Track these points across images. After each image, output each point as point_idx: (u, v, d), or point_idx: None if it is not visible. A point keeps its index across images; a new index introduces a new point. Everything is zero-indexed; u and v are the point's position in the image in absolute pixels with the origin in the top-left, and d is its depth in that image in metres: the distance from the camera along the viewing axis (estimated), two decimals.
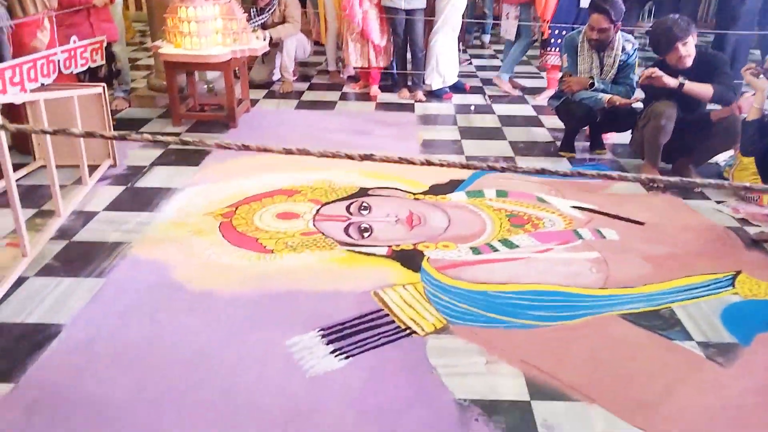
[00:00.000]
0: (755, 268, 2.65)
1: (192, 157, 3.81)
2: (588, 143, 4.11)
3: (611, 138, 4.24)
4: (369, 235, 2.87)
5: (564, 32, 4.71)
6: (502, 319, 2.28)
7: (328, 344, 2.12)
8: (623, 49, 3.79)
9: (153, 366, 2.01)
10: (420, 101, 5.16)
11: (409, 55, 5.38)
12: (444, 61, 5.20)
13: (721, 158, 3.87)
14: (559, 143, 4.12)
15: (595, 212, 3.17)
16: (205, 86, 4.93)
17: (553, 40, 5.02)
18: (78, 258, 2.64)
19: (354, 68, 5.51)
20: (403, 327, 2.22)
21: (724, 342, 2.17)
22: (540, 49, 5.33)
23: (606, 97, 3.70)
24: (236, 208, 3.12)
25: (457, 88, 5.42)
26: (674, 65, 3.42)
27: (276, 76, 5.54)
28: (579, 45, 3.82)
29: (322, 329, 2.19)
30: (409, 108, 5.01)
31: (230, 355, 2.06)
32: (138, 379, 1.95)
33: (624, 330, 2.24)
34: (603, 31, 3.70)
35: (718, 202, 3.31)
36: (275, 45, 5.09)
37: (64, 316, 2.24)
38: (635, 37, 4.48)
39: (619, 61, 3.79)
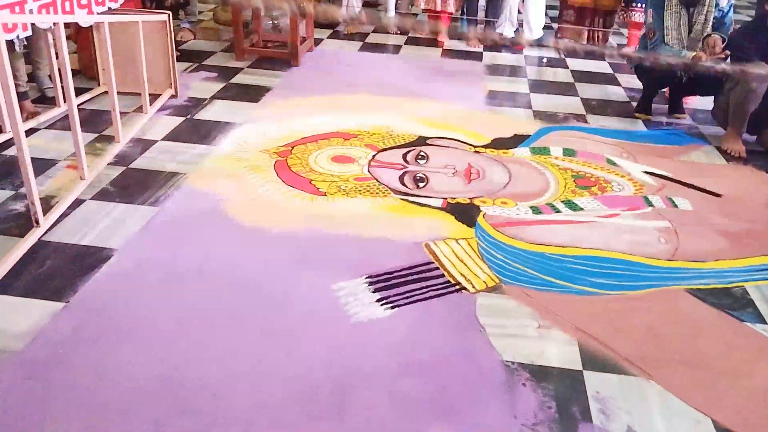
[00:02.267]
0: None
1: (252, 92, 3.76)
2: (667, 106, 3.83)
3: (692, 102, 3.95)
4: (424, 186, 2.76)
5: None
6: (558, 283, 2.16)
7: (374, 292, 2.06)
8: (717, 4, 3.45)
9: (199, 297, 2.00)
10: (489, 45, 4.93)
11: (483, 2, 5.12)
12: (525, 9, 4.95)
13: None
14: (635, 104, 3.87)
15: (669, 179, 2.96)
16: (270, 22, 4.84)
17: None
18: (134, 185, 2.66)
19: (423, 10, 5.29)
20: (453, 282, 2.13)
21: None
22: (622, 3, 4.97)
23: (690, 54, 3.39)
24: (292, 148, 3.06)
25: (542, 43, 5.14)
26: None
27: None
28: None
29: (370, 276, 2.13)
30: (477, 57, 4.80)
31: (276, 293, 2.03)
32: (184, 309, 1.94)
33: (690, 306, 2.08)
34: None
35: None
36: None
37: (116, 241, 2.25)
38: None
39: (713, 18, 3.45)
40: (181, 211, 2.49)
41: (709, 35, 3.39)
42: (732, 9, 3.49)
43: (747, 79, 3.13)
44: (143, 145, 3.02)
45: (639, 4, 4.69)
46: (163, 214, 2.45)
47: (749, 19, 5.52)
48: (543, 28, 5.18)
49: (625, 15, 4.92)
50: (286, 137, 3.18)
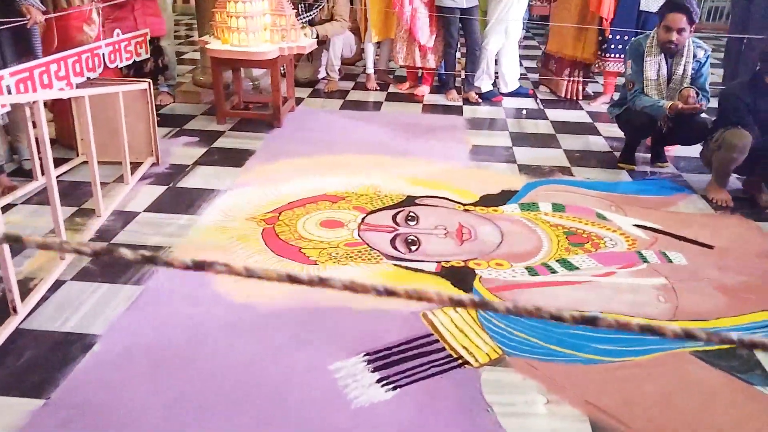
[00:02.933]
0: None
1: (236, 156, 3.71)
2: (649, 155, 3.87)
3: (673, 150, 3.99)
4: (417, 249, 2.71)
5: (626, 37, 4.47)
6: (562, 351, 2.10)
7: (374, 371, 1.98)
8: (695, 56, 3.52)
9: (190, 383, 1.90)
10: (474, 102, 4.98)
11: (459, 55, 5.19)
12: (499, 64, 5.04)
13: None
14: (617, 153, 3.90)
15: (660, 232, 2.95)
16: (251, 84, 4.84)
17: (613, 46, 4.76)
18: (117, 262, 2.56)
19: (401, 66, 5.35)
20: (456, 356, 2.06)
21: None
22: (599, 52, 5.07)
23: (668, 103, 3.44)
24: (279, 214, 3.00)
25: (519, 94, 5.21)
26: None
27: (321, 74, 5.41)
28: (646, 50, 3.57)
29: (368, 354, 2.05)
30: (457, 111, 4.83)
31: (272, 377, 1.94)
32: (175, 397, 1.84)
33: (699, 371, 2.03)
34: (681, 32, 3.41)
35: None
36: (322, 42, 4.96)
37: (99, 326, 2.15)
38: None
39: (691, 69, 3.52)
40: (167, 289, 2.39)
41: (683, 88, 3.45)
42: (708, 61, 3.55)
43: (730, 145, 3.18)
44: (125, 217, 2.93)
45: (615, 54, 4.79)
46: (148, 294, 2.35)
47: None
48: (518, 80, 5.26)
49: (600, 64, 5.02)
50: (272, 203, 3.12)
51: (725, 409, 1.87)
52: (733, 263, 2.69)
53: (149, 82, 3.37)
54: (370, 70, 5.42)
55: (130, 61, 3.55)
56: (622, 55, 4.72)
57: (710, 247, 2.83)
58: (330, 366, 1.99)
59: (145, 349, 2.05)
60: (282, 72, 4.52)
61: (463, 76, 5.14)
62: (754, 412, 1.87)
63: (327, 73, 5.31)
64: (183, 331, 2.14)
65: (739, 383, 1.98)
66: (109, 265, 2.53)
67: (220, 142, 3.94)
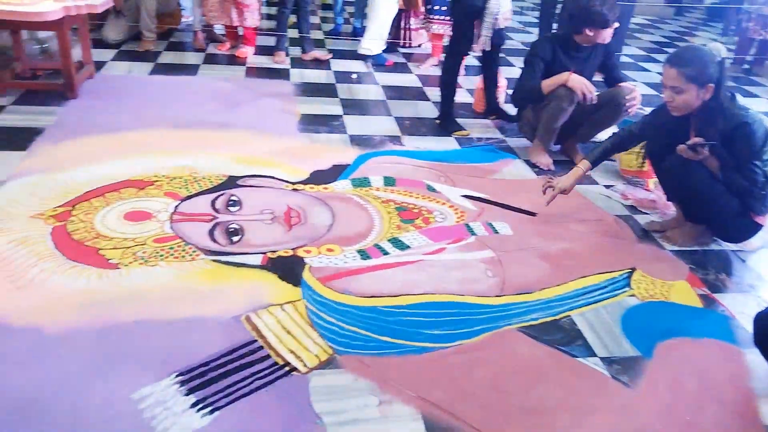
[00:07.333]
0: (648, 262, 2.57)
1: (18, 137, 3.13)
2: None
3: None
4: (239, 239, 2.46)
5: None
6: (395, 342, 2.00)
7: (188, 394, 1.73)
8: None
9: None
10: (323, 61, 4.76)
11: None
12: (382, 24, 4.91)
13: (606, 136, 3.82)
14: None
15: (486, 201, 2.97)
16: (38, 47, 4.13)
17: (437, 7, 4.72)
18: None
19: (221, 26, 4.92)
20: (282, 362, 1.87)
21: (628, 356, 2.04)
22: (425, 14, 5.02)
23: None
24: (73, 207, 2.56)
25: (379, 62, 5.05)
26: None
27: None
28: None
29: (181, 373, 1.79)
30: (284, 74, 4.54)
31: (61, 417, 1.61)
32: None
33: (526, 348, 2.04)
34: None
35: (607, 187, 3.25)
36: None
37: None
38: None
39: None
40: None
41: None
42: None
43: (558, 95, 3.24)
44: None
45: (439, 16, 4.76)
46: None
47: None
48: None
49: (427, 25, 4.98)
50: (64, 194, 2.66)
51: (552, 386, 1.89)
52: (554, 230, 2.78)
53: None
54: (198, 26, 4.91)
55: None
56: (447, 17, 4.71)
57: (533, 214, 2.89)
58: (133, 394, 1.71)
59: None
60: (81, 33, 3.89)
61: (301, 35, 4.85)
62: (579, 385, 1.91)
63: (142, 31, 4.71)
64: None
65: (564, 357, 2.01)
66: None
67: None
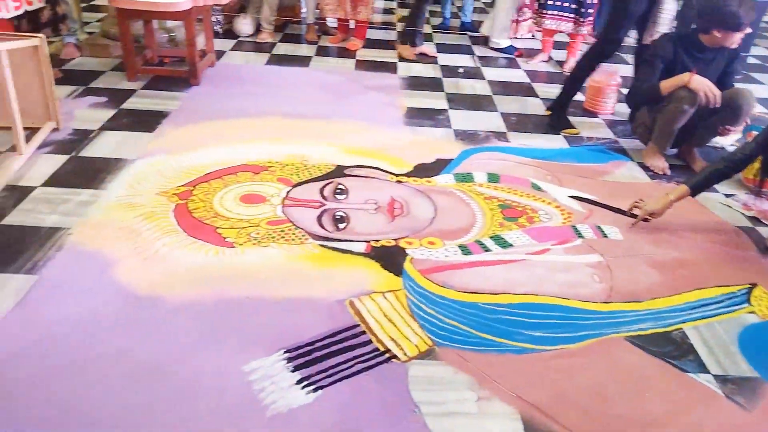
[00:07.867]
0: None
1: (147, 120, 3.38)
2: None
3: (605, 110, 3.93)
4: (345, 227, 2.53)
5: None
6: (494, 340, 1.99)
7: (294, 371, 1.81)
8: None
9: (85, 393, 1.68)
10: (431, 57, 4.84)
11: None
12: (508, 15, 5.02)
13: (728, 142, 3.59)
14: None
15: (596, 204, 2.88)
16: (166, 36, 4.42)
17: (551, 2, 4.60)
18: (6, 247, 2.26)
19: (334, 19, 5.05)
20: (383, 349, 1.91)
21: (745, 376, 1.92)
22: (535, 9, 4.90)
23: None
24: (194, 187, 2.74)
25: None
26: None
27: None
28: None
29: (288, 350, 1.88)
30: (392, 68, 4.59)
31: (177, 383, 1.74)
32: (66, 409, 1.62)
33: (633, 358, 1.97)
34: None
35: (727, 196, 3.05)
36: None
37: None
38: None
39: None
40: (64, 279, 2.13)
41: None
42: None
43: (678, 97, 3.07)
44: (18, 193, 2.60)
45: (553, 11, 4.64)
46: (42, 285, 2.08)
47: None
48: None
49: (538, 20, 4.86)
50: (186, 174, 2.85)
51: (658, 398, 1.82)
52: (667, 237, 2.65)
53: (42, 37, 2.97)
54: (311, 19, 5.08)
55: (20, 11, 3.11)
56: (561, 12, 4.58)
57: (647, 219, 2.76)
58: (244, 366, 1.81)
59: (34, 355, 1.80)
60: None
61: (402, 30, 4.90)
62: (688, 401, 1.82)
63: (262, 24, 4.95)
64: (79, 331, 1.90)
65: (673, 370, 1.93)
66: None
67: (131, 103, 3.58)
